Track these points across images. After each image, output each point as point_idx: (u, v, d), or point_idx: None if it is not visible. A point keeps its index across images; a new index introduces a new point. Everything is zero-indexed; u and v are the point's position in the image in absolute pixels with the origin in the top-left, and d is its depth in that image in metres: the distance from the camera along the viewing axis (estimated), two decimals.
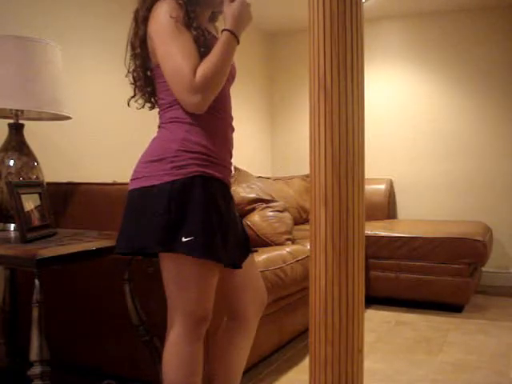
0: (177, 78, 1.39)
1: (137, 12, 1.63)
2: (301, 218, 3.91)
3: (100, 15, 2.91)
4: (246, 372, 2.19)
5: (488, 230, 3.63)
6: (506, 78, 4.00)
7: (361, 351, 1.45)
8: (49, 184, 1.95)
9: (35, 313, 1.37)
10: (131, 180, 1.48)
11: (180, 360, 1.41)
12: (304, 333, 2.60)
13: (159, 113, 1.57)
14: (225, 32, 1.45)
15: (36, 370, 1.35)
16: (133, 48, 1.59)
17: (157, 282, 1.91)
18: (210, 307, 1.48)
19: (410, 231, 3.40)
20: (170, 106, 1.49)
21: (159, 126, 1.57)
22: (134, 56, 1.58)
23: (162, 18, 1.46)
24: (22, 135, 1.95)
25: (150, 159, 1.47)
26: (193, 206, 1.36)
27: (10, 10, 2.39)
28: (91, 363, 2.08)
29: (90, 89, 2.84)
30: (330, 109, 1.39)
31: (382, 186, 4.22)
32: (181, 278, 1.42)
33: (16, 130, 1.93)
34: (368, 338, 2.72)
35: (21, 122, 1.95)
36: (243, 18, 1.48)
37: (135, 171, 1.50)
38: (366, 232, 3.29)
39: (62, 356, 1.98)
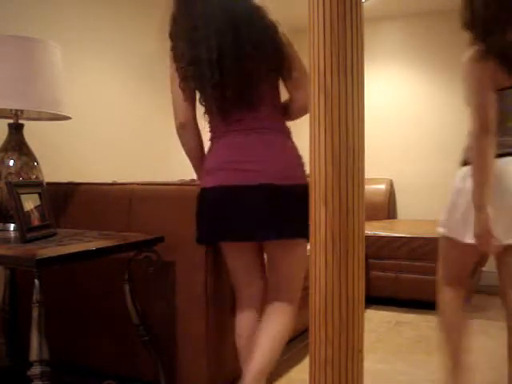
0: None
1: None
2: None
3: (100, 15, 2.91)
4: None
5: None
6: None
7: (361, 351, 1.45)
8: (49, 184, 1.95)
9: (35, 313, 1.37)
10: (295, 176, 1.62)
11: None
12: (304, 333, 2.60)
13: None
14: None
15: (36, 370, 1.35)
16: None
17: (157, 282, 1.91)
18: None
19: (410, 231, 3.40)
20: None
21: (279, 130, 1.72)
22: None
23: None
24: (22, 135, 1.95)
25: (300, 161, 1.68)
26: None
27: (10, 9, 2.39)
28: (91, 363, 2.08)
29: (90, 89, 2.84)
30: (330, 109, 1.39)
31: (382, 186, 4.22)
32: (306, 262, 1.65)
33: (16, 130, 1.93)
34: (368, 338, 2.71)
35: (21, 122, 1.95)
36: None
37: (295, 168, 1.65)
38: (366, 232, 3.29)
39: (62, 356, 1.98)
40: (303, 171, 1.68)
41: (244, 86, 1.61)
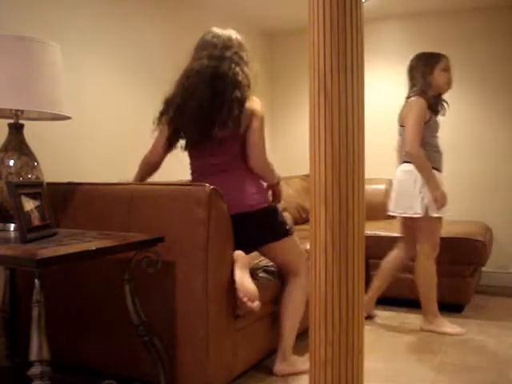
0: None
1: None
2: (301, 218, 3.91)
3: (100, 16, 2.91)
4: (246, 371, 2.20)
5: (488, 230, 3.62)
6: (507, 79, 4.00)
7: (361, 351, 1.45)
8: (49, 184, 1.95)
9: (35, 313, 1.37)
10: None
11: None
12: (304, 333, 2.60)
13: None
14: None
15: (36, 369, 1.35)
16: None
17: (157, 282, 1.91)
18: None
19: None
20: None
21: None
22: None
23: None
24: (22, 135, 1.95)
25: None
26: None
27: (9, 10, 2.39)
28: (91, 363, 2.08)
29: (90, 89, 2.85)
30: (330, 109, 1.39)
31: (382, 186, 4.22)
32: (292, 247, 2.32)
33: (16, 130, 1.93)
34: (368, 338, 2.72)
35: (21, 122, 1.95)
36: None
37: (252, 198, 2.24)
38: (365, 232, 3.28)
39: (62, 356, 1.98)
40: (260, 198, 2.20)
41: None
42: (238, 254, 2.02)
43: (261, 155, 2.16)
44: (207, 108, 2.08)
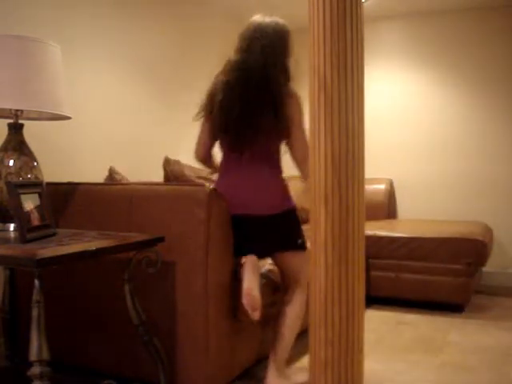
0: None
1: None
2: (300, 218, 3.90)
3: (100, 15, 2.91)
4: (246, 371, 2.20)
5: (488, 230, 3.62)
6: (507, 79, 4.00)
7: (361, 351, 1.45)
8: (49, 184, 1.95)
9: (35, 313, 1.37)
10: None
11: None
12: (304, 333, 2.60)
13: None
14: None
15: (36, 370, 1.35)
16: None
17: (157, 282, 1.91)
18: None
19: (410, 231, 3.40)
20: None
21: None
22: None
23: None
24: (22, 135, 1.95)
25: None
26: None
27: (10, 9, 2.39)
28: (91, 363, 2.08)
29: (89, 89, 2.84)
30: (330, 109, 1.39)
31: (382, 186, 4.22)
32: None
33: (16, 129, 1.93)
34: (368, 338, 2.72)
35: (21, 122, 1.95)
36: None
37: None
38: (366, 232, 3.28)
39: (62, 356, 1.98)
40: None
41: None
42: (252, 258, 1.99)
43: (304, 147, 2.01)
44: (252, 112, 2.00)
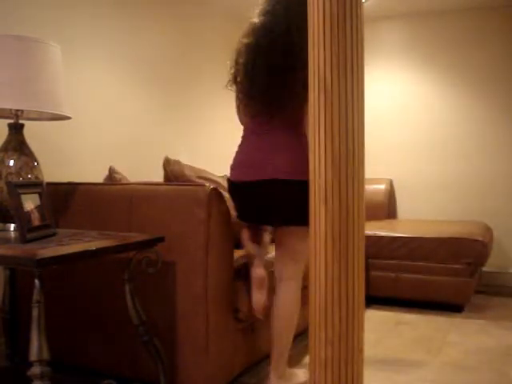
0: None
1: None
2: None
3: (100, 15, 2.91)
4: (246, 371, 2.20)
5: (488, 230, 3.62)
6: (506, 79, 4.00)
7: (361, 351, 1.45)
8: (49, 184, 1.95)
9: (35, 313, 1.37)
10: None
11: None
12: (304, 333, 2.60)
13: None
14: None
15: (36, 369, 1.35)
16: None
17: (157, 282, 1.91)
18: None
19: (410, 231, 3.40)
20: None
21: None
22: None
23: None
24: (22, 135, 1.95)
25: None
26: None
27: (10, 9, 2.39)
28: (91, 363, 2.08)
29: (90, 89, 2.84)
30: (330, 109, 1.39)
31: (382, 186, 4.22)
32: None
33: (16, 130, 1.93)
34: (368, 338, 2.72)
35: (21, 122, 1.95)
36: None
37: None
38: (365, 232, 3.28)
39: (62, 356, 1.98)
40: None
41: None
42: (260, 275, 2.01)
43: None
44: (281, 79, 1.91)
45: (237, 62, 2.02)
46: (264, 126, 1.97)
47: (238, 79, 2.01)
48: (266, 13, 1.98)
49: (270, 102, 1.93)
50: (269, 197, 1.94)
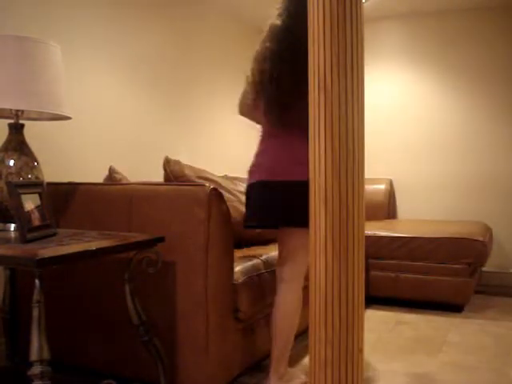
0: None
1: None
2: None
3: (100, 15, 2.91)
4: (246, 371, 2.20)
5: (488, 230, 3.63)
6: (506, 79, 4.00)
7: (361, 351, 1.45)
8: (49, 184, 1.95)
9: (35, 313, 1.37)
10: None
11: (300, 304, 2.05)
12: (304, 333, 2.60)
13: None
14: None
15: (36, 369, 1.35)
16: None
17: (157, 282, 1.91)
18: None
19: (410, 231, 3.40)
20: None
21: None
22: None
23: None
24: (22, 135, 1.95)
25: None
26: None
27: (10, 10, 2.39)
28: (91, 363, 2.08)
29: (90, 89, 2.84)
30: (330, 109, 1.39)
31: (382, 186, 4.22)
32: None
33: (16, 130, 1.93)
34: (368, 338, 2.72)
35: (21, 122, 1.95)
36: None
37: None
38: (366, 232, 3.29)
39: (62, 356, 1.98)
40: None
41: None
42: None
43: None
44: (305, 87, 1.85)
45: (261, 67, 1.98)
46: (287, 133, 1.95)
47: (263, 85, 1.97)
48: (290, 16, 1.93)
49: (294, 112, 1.90)
50: (302, 196, 1.84)
